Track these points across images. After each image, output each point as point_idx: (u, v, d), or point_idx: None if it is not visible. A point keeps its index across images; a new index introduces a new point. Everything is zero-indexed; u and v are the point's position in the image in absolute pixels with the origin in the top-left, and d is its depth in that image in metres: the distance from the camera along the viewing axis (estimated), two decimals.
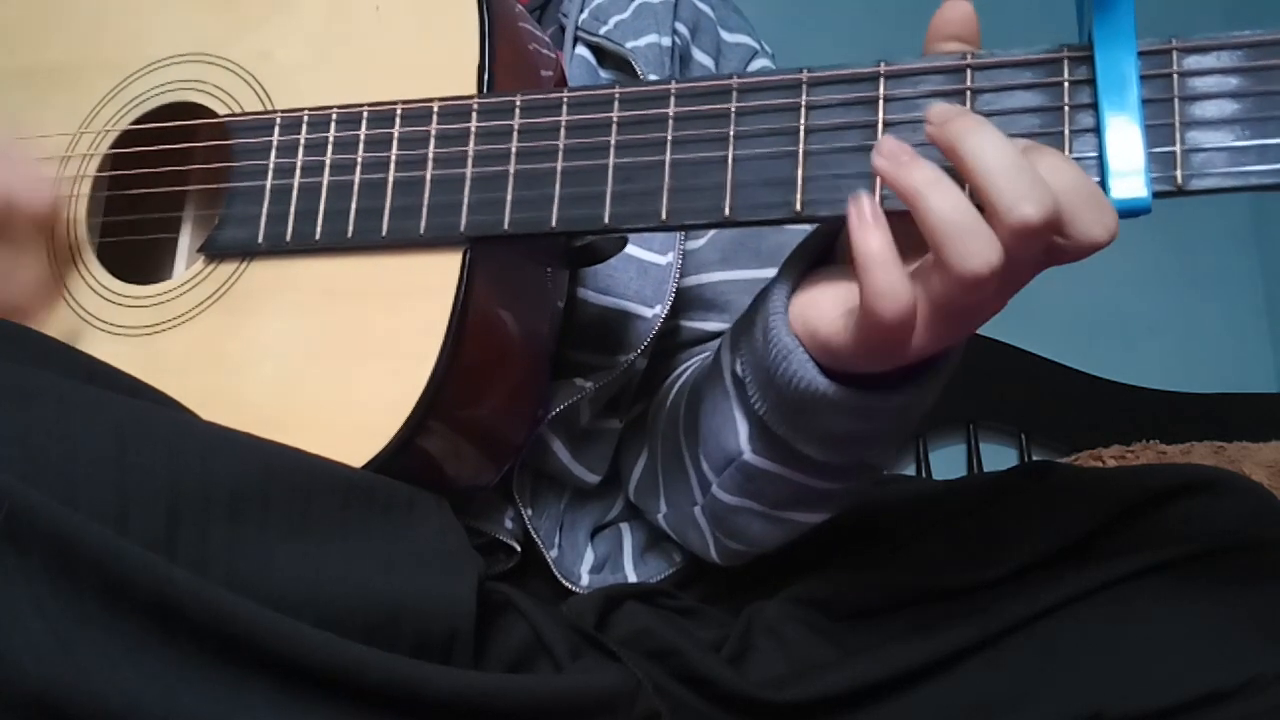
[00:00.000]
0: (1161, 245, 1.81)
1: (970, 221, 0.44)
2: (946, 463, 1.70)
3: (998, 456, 1.71)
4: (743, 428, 0.60)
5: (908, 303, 0.46)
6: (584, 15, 0.78)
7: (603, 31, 0.76)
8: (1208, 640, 0.56)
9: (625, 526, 0.77)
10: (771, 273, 0.56)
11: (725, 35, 0.83)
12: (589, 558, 0.74)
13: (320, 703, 0.44)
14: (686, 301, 0.75)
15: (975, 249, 0.44)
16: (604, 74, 0.76)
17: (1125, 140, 0.47)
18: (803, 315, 0.53)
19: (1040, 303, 1.70)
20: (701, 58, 0.80)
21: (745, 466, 0.61)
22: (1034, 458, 1.65)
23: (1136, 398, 1.71)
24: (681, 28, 0.79)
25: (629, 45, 0.75)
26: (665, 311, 0.70)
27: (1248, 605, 0.57)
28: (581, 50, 0.77)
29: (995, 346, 1.68)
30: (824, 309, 0.52)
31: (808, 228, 0.57)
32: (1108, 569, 0.59)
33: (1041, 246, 0.45)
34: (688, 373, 0.73)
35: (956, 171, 0.46)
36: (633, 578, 0.74)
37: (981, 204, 0.45)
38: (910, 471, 1.65)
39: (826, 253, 0.56)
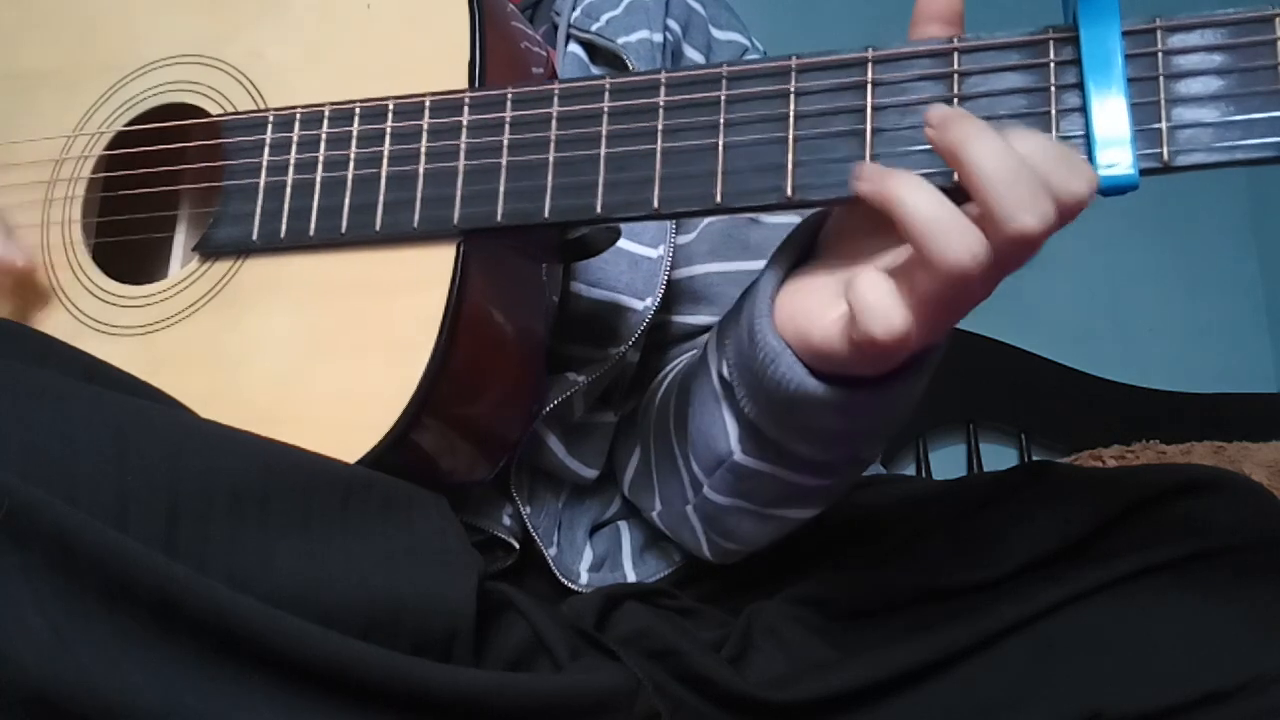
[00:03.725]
0: (1161, 245, 1.81)
1: (948, 216, 0.45)
2: (946, 463, 1.70)
3: (998, 456, 1.71)
4: (732, 430, 0.60)
5: (902, 326, 0.46)
6: (576, 13, 0.78)
7: (594, 28, 0.76)
8: (1208, 640, 0.56)
9: (624, 525, 0.77)
10: (760, 265, 0.56)
11: (716, 33, 0.83)
12: (588, 556, 0.74)
13: (320, 699, 0.44)
14: (676, 294, 0.75)
15: (958, 244, 0.45)
16: (596, 71, 0.76)
17: (1111, 118, 0.48)
18: (793, 320, 0.53)
19: (1041, 303, 1.71)
20: (693, 54, 0.80)
21: (736, 467, 0.61)
22: (1034, 458, 1.65)
23: (1136, 398, 1.71)
24: (673, 24, 0.79)
25: (620, 41, 0.75)
26: (656, 304, 0.71)
27: (1248, 605, 0.57)
28: (574, 48, 0.77)
29: (995, 346, 1.68)
30: (814, 314, 0.52)
31: (795, 221, 0.57)
32: (1107, 569, 0.59)
33: (1036, 251, 0.46)
34: (677, 369, 0.74)
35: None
36: (632, 576, 0.74)
37: (980, 210, 0.45)
38: (910, 471, 1.65)
39: (809, 249, 0.56)
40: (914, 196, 0.46)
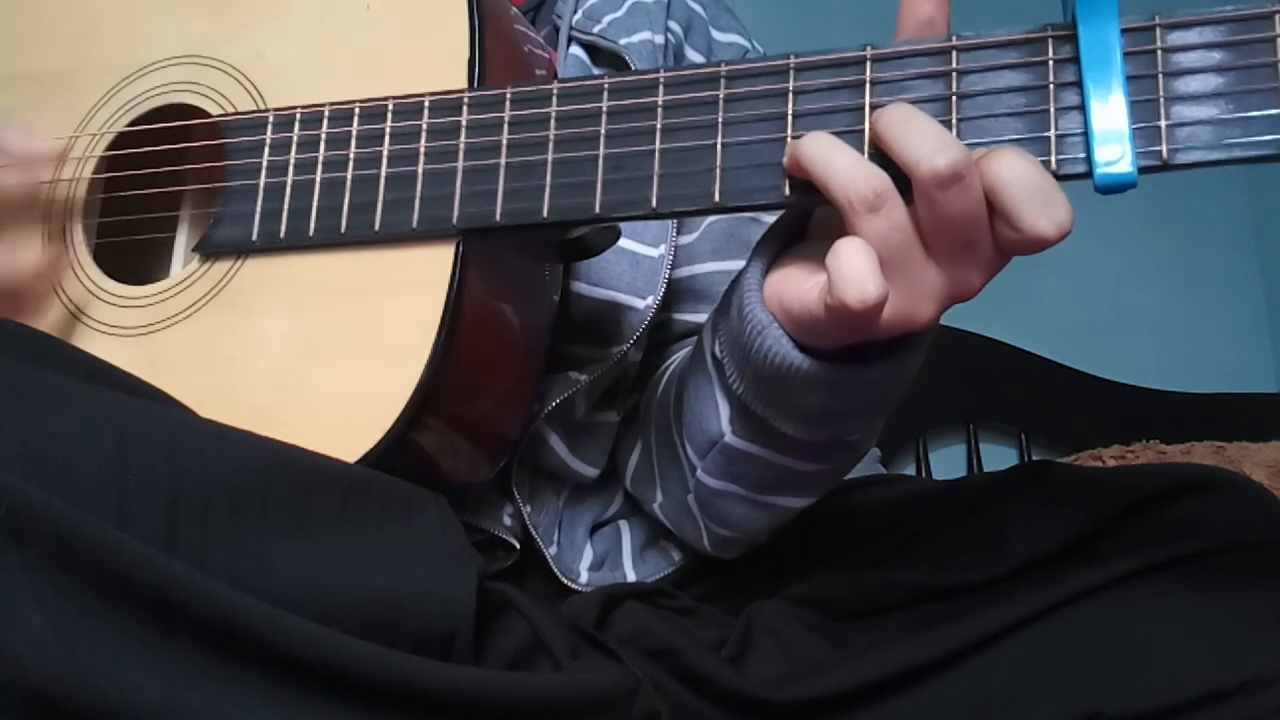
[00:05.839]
0: (1161, 245, 1.81)
1: (851, 160, 0.48)
2: (946, 463, 1.70)
3: (998, 456, 1.71)
4: (724, 409, 0.60)
5: (875, 293, 0.47)
6: (578, 15, 0.78)
7: (596, 30, 0.77)
8: (1208, 640, 0.56)
9: (624, 524, 0.77)
10: None
11: (717, 35, 0.83)
12: (588, 555, 0.74)
13: (319, 698, 0.44)
14: (678, 293, 0.76)
15: (863, 181, 0.48)
16: (598, 72, 0.76)
17: (1110, 116, 0.48)
18: (776, 292, 0.53)
19: (1041, 303, 1.71)
20: (694, 56, 0.80)
21: (726, 449, 0.61)
22: (1034, 458, 1.65)
23: (1136, 398, 1.71)
24: (675, 26, 0.79)
25: (622, 43, 0.75)
26: (657, 303, 0.71)
27: (1248, 605, 0.57)
28: (575, 50, 0.77)
29: (995, 346, 1.68)
30: (794, 283, 0.52)
31: None
32: (1107, 568, 0.59)
33: (966, 203, 0.47)
34: (677, 361, 0.74)
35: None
36: (632, 576, 0.74)
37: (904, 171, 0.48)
38: (910, 471, 1.65)
39: (800, 232, 0.56)
40: (819, 146, 0.50)
